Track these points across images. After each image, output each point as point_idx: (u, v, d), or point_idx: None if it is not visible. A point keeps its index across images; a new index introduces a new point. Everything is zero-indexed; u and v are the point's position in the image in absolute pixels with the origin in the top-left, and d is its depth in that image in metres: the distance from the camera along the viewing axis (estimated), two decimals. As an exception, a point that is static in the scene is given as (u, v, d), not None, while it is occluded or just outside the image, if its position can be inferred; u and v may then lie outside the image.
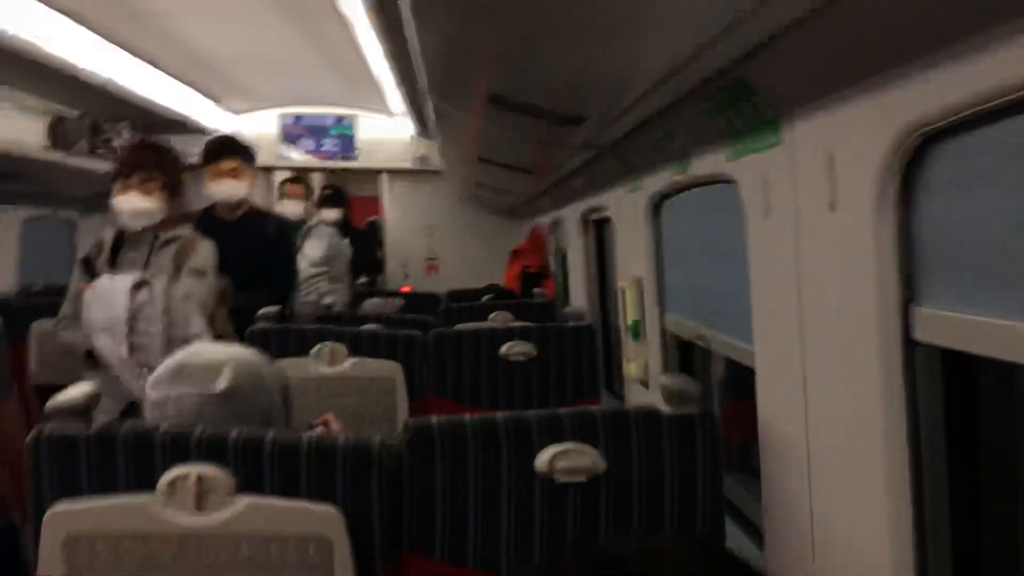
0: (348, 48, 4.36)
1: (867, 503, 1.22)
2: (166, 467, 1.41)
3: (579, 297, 4.21)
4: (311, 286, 4.27)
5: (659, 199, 2.50)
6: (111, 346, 2.26)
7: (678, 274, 2.45)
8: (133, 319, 2.29)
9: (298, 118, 6.93)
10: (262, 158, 6.85)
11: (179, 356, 1.54)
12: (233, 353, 1.56)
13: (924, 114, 1.07)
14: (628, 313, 2.64)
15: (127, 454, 1.49)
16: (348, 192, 5.90)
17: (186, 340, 2.12)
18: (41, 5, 3.18)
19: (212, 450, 1.46)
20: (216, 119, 6.49)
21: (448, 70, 2.25)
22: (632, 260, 2.74)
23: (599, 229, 3.96)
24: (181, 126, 5.90)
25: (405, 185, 7.25)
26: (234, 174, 3.15)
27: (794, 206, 1.46)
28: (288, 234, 3.41)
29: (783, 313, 1.53)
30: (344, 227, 5.36)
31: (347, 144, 6.99)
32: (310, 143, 7.00)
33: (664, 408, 1.60)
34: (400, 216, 7.31)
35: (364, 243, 6.06)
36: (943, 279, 1.11)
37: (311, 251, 4.31)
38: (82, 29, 3.65)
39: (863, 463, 1.23)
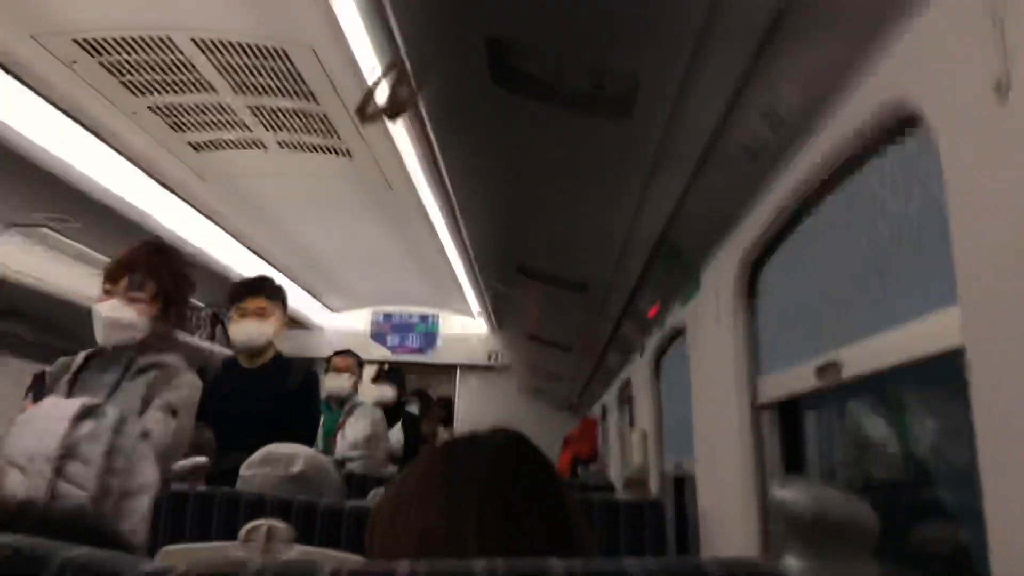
0: (433, 251, 5.27)
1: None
2: (247, 522, 1.74)
3: (615, 471, 4.68)
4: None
5: (656, 358, 3.12)
6: (23, 490, 1.63)
7: (671, 418, 3.00)
8: (64, 457, 1.64)
9: (387, 316, 7.93)
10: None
11: (265, 448, 2.12)
12: (307, 450, 2.13)
13: (750, 250, 1.73)
14: (635, 455, 3.17)
15: (220, 511, 2.03)
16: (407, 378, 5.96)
17: (128, 493, 1.55)
18: (173, 196, 4.10)
19: (281, 511, 1.97)
20: (316, 315, 7.54)
21: (489, 249, 3.04)
22: (642, 414, 3.31)
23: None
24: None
25: (478, 381, 7.98)
26: (260, 314, 2.83)
27: (703, 331, 2.09)
28: (313, 387, 2.99)
29: (704, 416, 2.10)
30: (397, 410, 5.01)
31: (429, 341, 7.89)
32: (395, 338, 7.92)
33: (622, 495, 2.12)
34: (470, 410, 7.98)
35: (416, 428, 5.32)
36: (770, 355, 1.72)
37: (352, 431, 3.94)
38: (203, 219, 4.30)
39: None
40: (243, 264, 5.29)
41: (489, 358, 7.80)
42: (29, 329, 4.80)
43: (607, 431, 5.70)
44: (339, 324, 7.85)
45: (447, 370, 8.25)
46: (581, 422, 6.47)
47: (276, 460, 2.01)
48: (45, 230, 4.08)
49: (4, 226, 4.09)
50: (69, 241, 4.22)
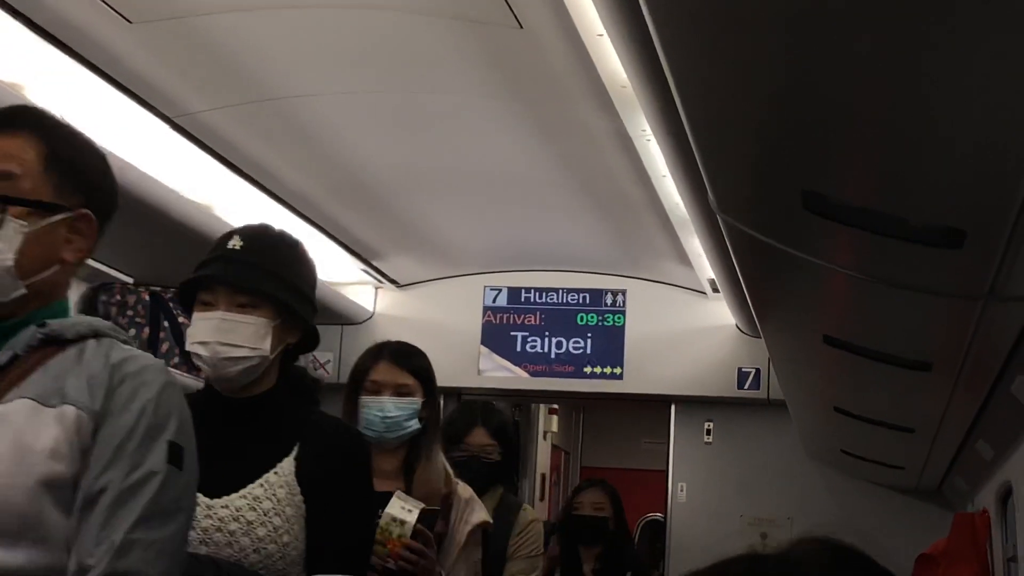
0: (619, 163, 5.43)
1: None
2: None
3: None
4: None
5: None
6: None
7: None
8: None
9: (515, 292, 8.20)
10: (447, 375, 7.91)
11: None
12: None
13: None
14: None
15: None
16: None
17: None
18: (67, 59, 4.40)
19: None
20: (363, 295, 7.99)
21: (737, 160, 3.14)
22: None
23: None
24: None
25: (719, 431, 8.06)
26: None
27: None
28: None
29: None
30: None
31: (608, 347, 8.07)
32: (535, 343, 8.11)
33: None
34: (702, 498, 8.06)
35: None
36: None
37: None
38: (134, 105, 4.75)
39: None
40: (214, 194, 5.60)
41: (741, 383, 7.91)
42: None
43: (1014, 540, 5.65)
44: (410, 310, 8.19)
45: (648, 408, 8.39)
46: (953, 523, 6.45)
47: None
48: None
49: None
50: None
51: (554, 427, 12.39)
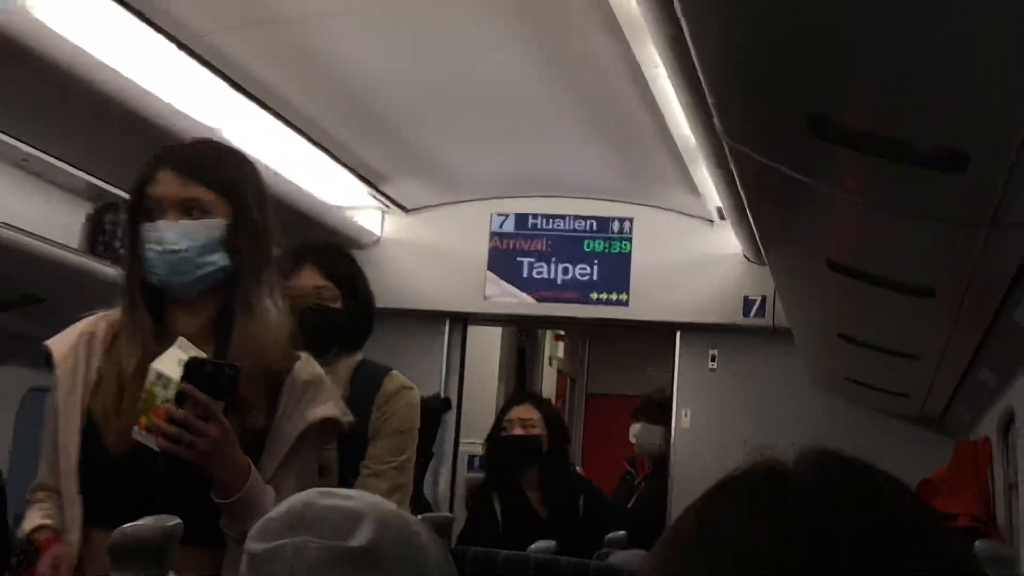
0: (624, 89, 5.46)
1: None
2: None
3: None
4: None
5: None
6: None
7: None
8: None
9: (522, 218, 8.24)
10: (454, 300, 8.29)
11: (296, 499, 2.32)
12: (375, 501, 2.30)
13: None
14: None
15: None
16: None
17: None
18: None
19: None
20: (370, 219, 7.99)
21: (743, 84, 3.16)
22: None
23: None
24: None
25: (724, 358, 8.09)
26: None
27: None
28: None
29: None
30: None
31: (615, 273, 8.12)
32: (542, 269, 8.13)
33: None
34: (705, 424, 8.10)
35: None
36: None
37: None
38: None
39: None
40: (218, 115, 5.62)
41: (747, 311, 7.96)
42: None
43: (1015, 467, 5.68)
44: (417, 235, 8.27)
45: (654, 335, 8.40)
46: (955, 450, 6.47)
47: (319, 521, 2.15)
48: None
49: None
50: None
51: (560, 353, 12.42)
